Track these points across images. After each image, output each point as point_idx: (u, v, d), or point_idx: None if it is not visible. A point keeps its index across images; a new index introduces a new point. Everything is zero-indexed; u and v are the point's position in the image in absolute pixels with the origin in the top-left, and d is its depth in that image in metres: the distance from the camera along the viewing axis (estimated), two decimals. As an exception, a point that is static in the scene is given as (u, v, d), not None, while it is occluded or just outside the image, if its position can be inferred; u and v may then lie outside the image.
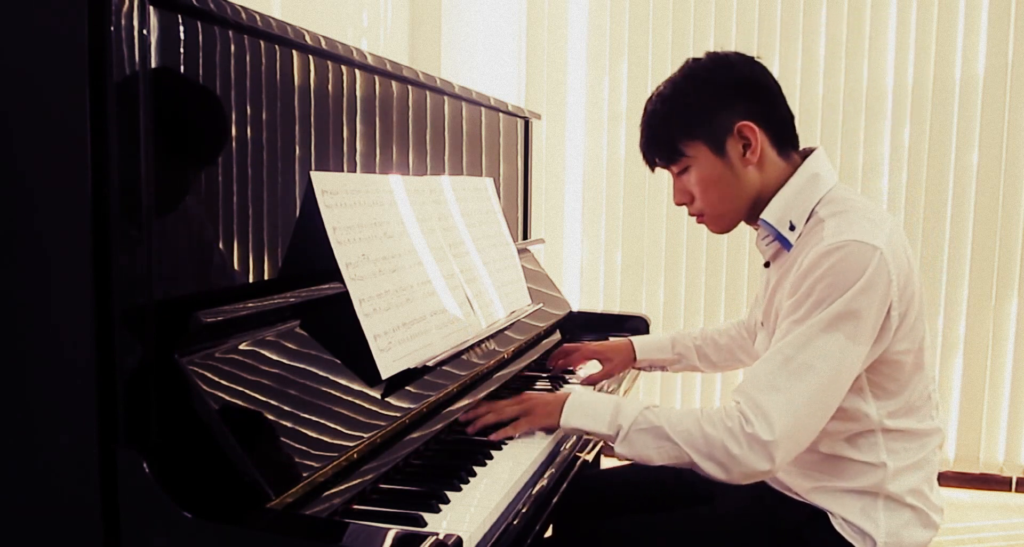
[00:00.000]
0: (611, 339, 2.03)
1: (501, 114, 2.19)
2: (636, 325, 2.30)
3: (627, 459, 1.34)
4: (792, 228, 1.38)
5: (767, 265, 1.49)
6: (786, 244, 1.39)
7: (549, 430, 1.44)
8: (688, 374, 3.49)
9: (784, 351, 1.26)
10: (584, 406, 1.38)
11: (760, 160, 1.39)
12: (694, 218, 1.49)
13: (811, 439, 1.28)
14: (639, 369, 1.96)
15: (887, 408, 1.34)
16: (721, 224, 1.46)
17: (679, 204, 1.49)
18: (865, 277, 1.24)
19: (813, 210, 1.37)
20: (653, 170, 1.52)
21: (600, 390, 1.85)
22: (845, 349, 1.24)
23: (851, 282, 1.24)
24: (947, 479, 3.28)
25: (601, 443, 1.72)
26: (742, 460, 1.23)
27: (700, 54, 1.46)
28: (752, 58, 1.42)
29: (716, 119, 1.38)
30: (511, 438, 1.41)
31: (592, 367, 1.97)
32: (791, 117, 1.44)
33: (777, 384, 1.25)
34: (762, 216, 1.40)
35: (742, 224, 1.48)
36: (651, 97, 1.46)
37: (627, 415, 1.32)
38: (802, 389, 1.24)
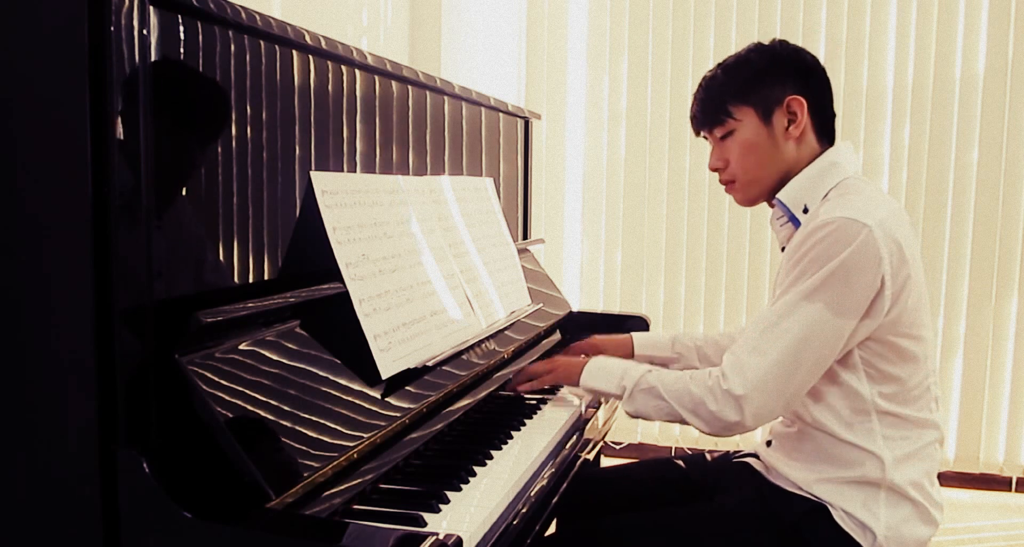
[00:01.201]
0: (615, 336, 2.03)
1: (501, 114, 2.19)
2: (636, 325, 2.30)
3: (633, 416, 1.49)
4: (805, 211, 1.44)
5: (783, 250, 1.52)
6: (796, 223, 1.45)
7: (589, 440, 1.61)
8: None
9: (768, 317, 1.35)
10: (599, 369, 1.55)
11: (800, 137, 1.46)
12: (725, 187, 1.55)
13: (784, 400, 1.34)
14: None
15: (879, 389, 1.37)
16: (749, 192, 1.52)
17: (713, 169, 1.55)
18: (850, 250, 1.29)
19: (827, 195, 1.42)
20: (698, 134, 1.58)
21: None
22: (823, 318, 1.31)
23: (835, 254, 1.30)
24: (947, 479, 3.28)
25: (601, 443, 1.76)
26: (718, 414, 1.35)
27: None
28: (816, 58, 1.51)
29: (770, 88, 1.45)
30: (506, 442, 1.45)
31: None
32: (834, 116, 1.51)
33: (757, 346, 1.34)
34: (778, 196, 1.47)
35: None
36: (711, 68, 1.54)
37: (631, 377, 1.47)
38: (777, 350, 1.32)
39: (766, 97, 1.45)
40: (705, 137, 1.56)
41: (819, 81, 1.48)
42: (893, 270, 1.32)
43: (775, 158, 1.46)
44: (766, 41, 1.51)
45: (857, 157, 1.50)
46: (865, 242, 1.29)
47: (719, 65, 1.52)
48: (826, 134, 1.49)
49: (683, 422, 1.42)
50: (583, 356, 1.77)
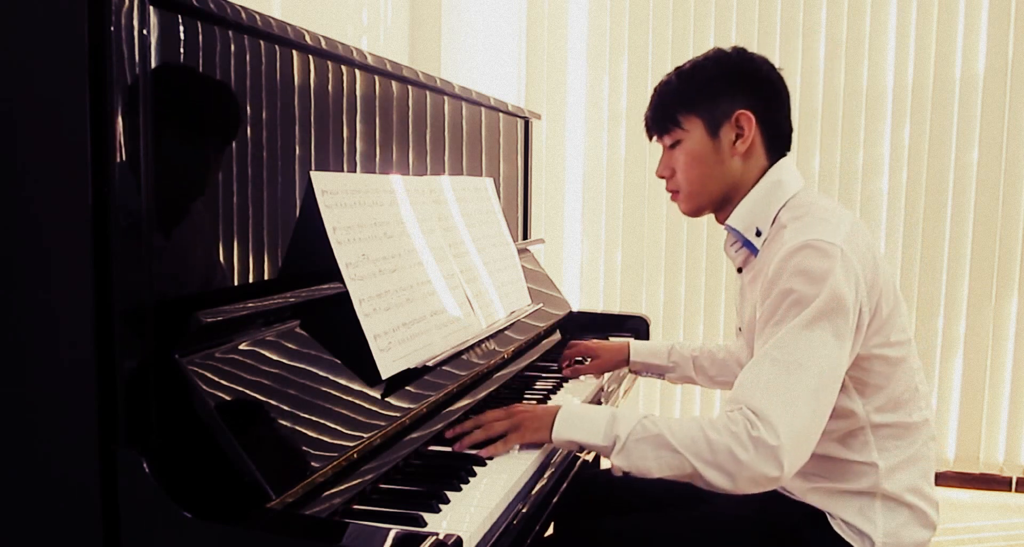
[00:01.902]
0: (612, 339, 2.03)
1: (501, 114, 2.19)
2: (636, 325, 2.31)
3: (625, 471, 1.28)
4: (759, 234, 1.42)
5: (739, 271, 1.52)
6: (753, 250, 1.43)
7: (539, 445, 1.36)
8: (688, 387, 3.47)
9: (771, 354, 1.24)
10: (577, 417, 1.32)
11: (747, 154, 1.43)
12: (670, 195, 1.53)
13: (815, 440, 1.24)
14: (634, 372, 1.96)
15: (873, 403, 1.35)
16: (691, 204, 1.50)
17: (660, 176, 1.53)
18: (834, 273, 1.25)
19: (777, 216, 1.40)
20: (651, 139, 1.55)
21: (597, 393, 1.85)
22: (829, 344, 1.24)
23: (822, 278, 1.25)
24: (947, 479, 3.28)
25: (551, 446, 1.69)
26: (749, 465, 1.18)
27: (700, 53, 1.49)
28: (774, 66, 1.47)
29: (720, 101, 1.42)
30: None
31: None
32: (790, 129, 1.48)
33: (770, 387, 1.22)
34: (728, 222, 1.45)
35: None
36: (669, 72, 1.51)
37: (624, 425, 1.26)
38: (796, 389, 1.21)
39: (715, 109, 1.42)
40: (656, 141, 1.53)
41: (773, 95, 1.44)
42: (868, 284, 1.30)
43: (720, 172, 1.43)
44: (727, 47, 1.47)
45: (797, 170, 1.46)
46: (842, 262, 1.26)
47: (676, 69, 1.49)
48: (778, 150, 1.46)
49: (690, 479, 1.24)
50: (557, 393, 1.71)
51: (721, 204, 1.47)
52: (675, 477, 1.25)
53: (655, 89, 1.52)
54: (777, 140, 1.45)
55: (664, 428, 1.24)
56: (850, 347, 1.28)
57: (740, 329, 1.52)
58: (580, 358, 1.96)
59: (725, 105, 1.41)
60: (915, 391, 1.39)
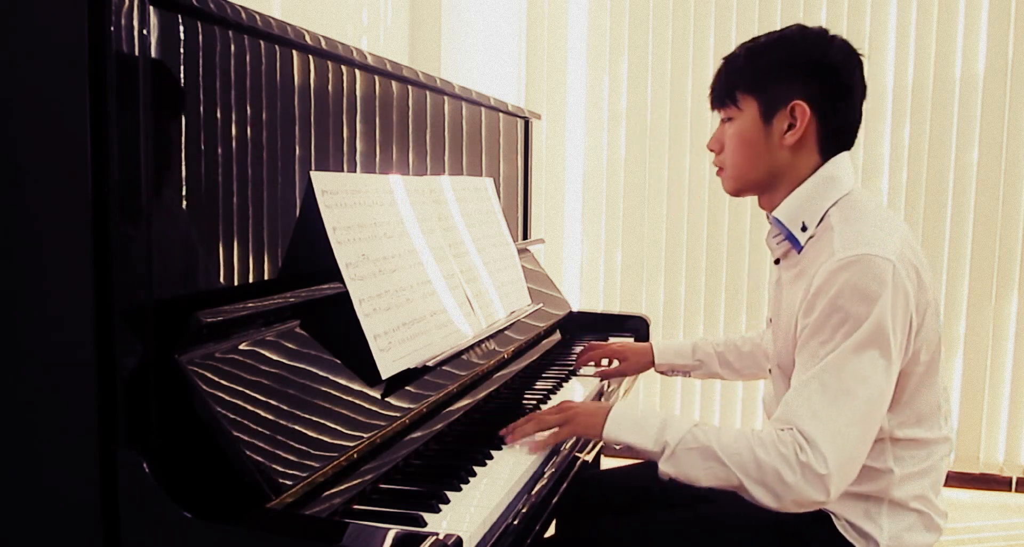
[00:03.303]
0: (611, 340, 2.03)
1: (501, 114, 2.19)
2: (636, 325, 2.30)
3: (671, 478, 1.28)
4: (804, 229, 1.36)
5: (776, 262, 1.47)
6: (796, 245, 1.37)
7: (588, 440, 1.39)
8: (707, 383, 3.47)
9: (821, 377, 1.22)
10: (629, 420, 1.33)
11: (797, 146, 1.36)
12: (716, 171, 1.48)
13: (860, 464, 1.24)
14: (661, 373, 1.95)
15: (897, 418, 1.33)
16: (733, 185, 1.45)
17: (709, 148, 1.48)
18: (886, 293, 1.21)
19: (826, 213, 1.35)
20: (712, 109, 1.47)
21: (598, 393, 1.85)
22: (879, 368, 1.22)
23: (874, 299, 1.21)
24: (947, 479, 3.25)
25: (601, 443, 1.71)
26: (796, 488, 1.19)
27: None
28: (854, 52, 1.38)
29: (779, 86, 1.35)
30: (491, 456, 1.34)
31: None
32: (855, 122, 1.40)
33: (819, 413, 1.21)
34: (774, 214, 1.39)
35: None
36: (745, 42, 1.43)
37: (674, 432, 1.27)
38: (846, 417, 1.20)
39: (772, 94, 1.35)
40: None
41: (839, 87, 1.35)
42: (916, 302, 1.27)
43: (765, 160, 1.38)
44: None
45: (853, 168, 1.41)
46: (894, 280, 1.22)
47: (751, 40, 1.42)
48: (835, 144, 1.38)
49: (738, 490, 1.24)
50: (564, 386, 1.71)
51: (764, 189, 1.42)
52: (721, 487, 1.26)
53: (724, 59, 1.44)
54: (836, 134, 1.37)
55: (714, 440, 1.24)
56: (898, 367, 1.26)
57: (770, 320, 1.49)
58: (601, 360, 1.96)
59: (783, 92, 1.34)
60: (937, 409, 1.38)
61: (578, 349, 2.05)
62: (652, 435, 1.28)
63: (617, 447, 1.39)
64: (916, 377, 1.32)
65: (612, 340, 2.22)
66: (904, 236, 1.30)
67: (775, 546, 1.40)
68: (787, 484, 1.19)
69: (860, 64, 1.38)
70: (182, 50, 1.01)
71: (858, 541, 1.35)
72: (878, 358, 1.22)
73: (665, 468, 1.28)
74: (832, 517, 1.37)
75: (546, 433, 1.39)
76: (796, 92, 1.34)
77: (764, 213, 1.46)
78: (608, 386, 1.90)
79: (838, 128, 1.37)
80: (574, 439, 1.48)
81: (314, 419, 1.09)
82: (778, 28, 1.45)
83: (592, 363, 1.95)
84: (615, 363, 1.96)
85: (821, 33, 1.38)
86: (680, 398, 3.52)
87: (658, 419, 1.30)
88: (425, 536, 0.90)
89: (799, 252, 1.37)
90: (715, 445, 1.24)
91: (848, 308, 1.22)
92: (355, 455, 1.13)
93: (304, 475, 1.01)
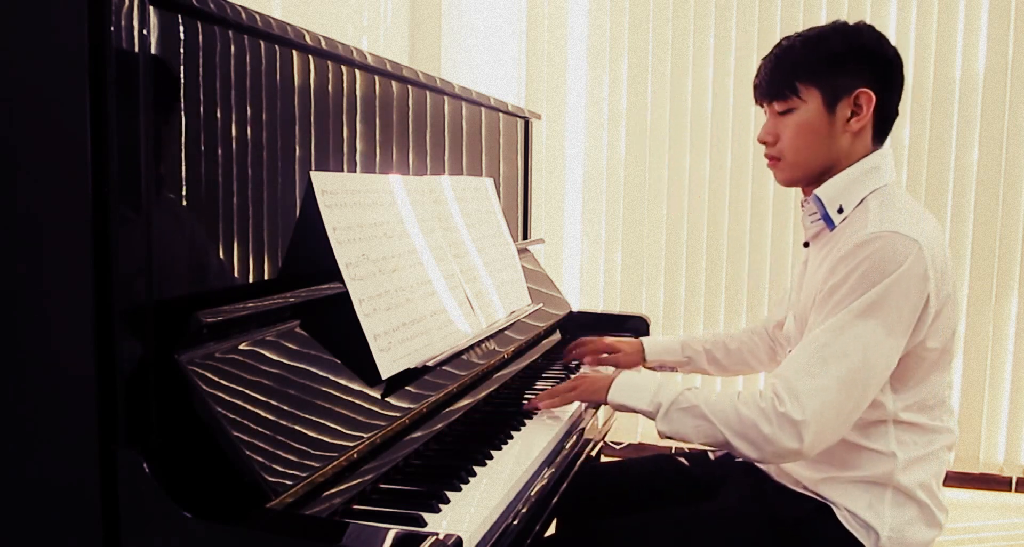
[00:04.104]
0: (622, 338, 2.04)
1: (501, 114, 2.19)
2: (636, 325, 2.30)
3: (666, 436, 1.38)
4: (840, 211, 1.41)
5: (806, 245, 1.52)
6: (830, 223, 1.42)
7: (596, 405, 1.60)
8: (708, 376, 3.48)
9: (820, 338, 1.29)
10: (629, 386, 1.45)
11: (859, 133, 1.41)
12: (768, 162, 1.50)
13: (843, 426, 1.30)
14: (651, 369, 1.97)
15: (903, 401, 1.36)
16: (790, 174, 1.47)
17: (761, 141, 1.49)
18: (903, 268, 1.27)
19: (865, 198, 1.39)
20: (759, 104, 1.50)
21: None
22: (879, 338, 1.27)
23: (888, 272, 1.27)
24: (947, 479, 3.25)
25: (601, 443, 1.74)
26: (772, 439, 1.27)
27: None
28: (898, 53, 1.43)
29: (843, 75, 1.39)
30: (500, 447, 1.40)
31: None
32: (896, 115, 1.47)
33: (811, 368, 1.28)
34: (815, 192, 1.43)
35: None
36: (791, 35, 1.46)
37: (667, 394, 1.38)
38: (834, 373, 1.27)
39: (837, 83, 1.39)
40: (763, 107, 1.49)
41: (894, 78, 1.42)
42: (937, 288, 1.31)
43: (828, 147, 1.42)
44: (851, 21, 1.44)
45: (894, 161, 1.47)
46: (916, 259, 1.27)
47: (799, 35, 1.44)
48: (882, 134, 1.45)
49: (724, 447, 1.34)
50: (602, 371, 1.75)
51: (818, 178, 1.45)
52: (710, 444, 1.35)
53: (773, 51, 1.46)
54: (886, 124, 1.45)
55: (702, 400, 1.35)
56: (903, 342, 1.30)
57: (782, 319, 1.54)
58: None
59: (848, 80, 1.38)
60: (942, 403, 1.41)
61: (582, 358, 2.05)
62: (648, 397, 1.40)
63: (620, 410, 1.52)
64: (928, 363, 1.36)
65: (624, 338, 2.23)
66: (935, 229, 1.36)
67: (776, 541, 1.40)
68: (765, 435, 1.27)
69: (903, 61, 1.45)
70: (182, 50, 1.01)
71: (859, 532, 1.36)
72: (879, 328, 1.27)
73: (660, 426, 1.39)
74: (833, 508, 1.38)
75: (557, 399, 1.55)
76: (861, 80, 1.39)
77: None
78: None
79: (888, 117, 1.45)
80: (574, 438, 1.49)
81: (314, 419, 1.09)
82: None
83: (584, 358, 1.97)
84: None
85: (871, 28, 1.43)
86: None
87: (654, 383, 1.42)
88: (425, 536, 0.90)
89: (831, 230, 1.42)
90: (702, 405, 1.34)
91: (862, 278, 1.28)
92: (355, 455, 1.13)
93: (304, 475, 1.01)
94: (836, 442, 1.37)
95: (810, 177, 1.46)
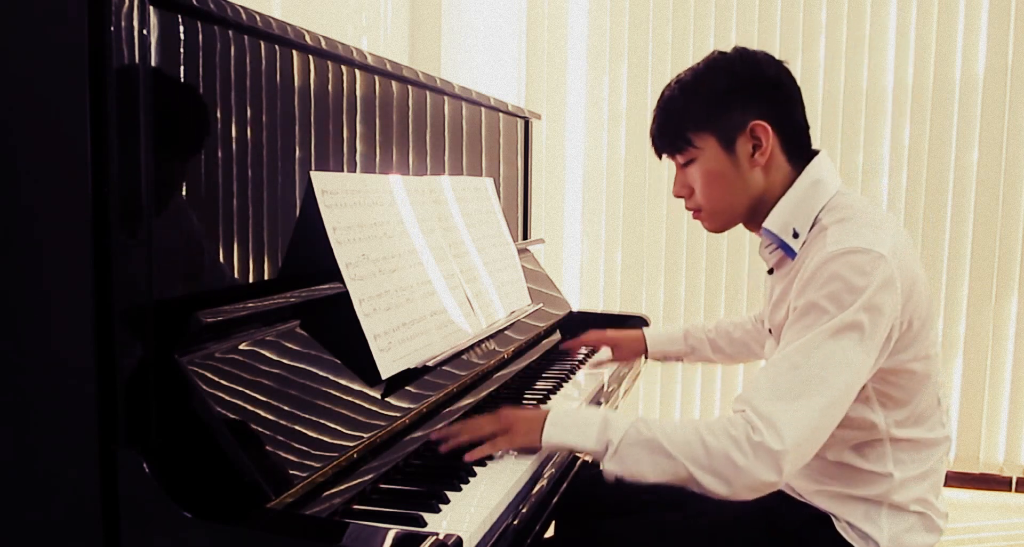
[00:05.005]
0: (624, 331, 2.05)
1: (501, 114, 2.19)
2: (636, 325, 2.30)
3: (618, 476, 1.22)
4: (796, 236, 1.35)
5: (771, 272, 1.46)
6: (790, 252, 1.36)
7: (531, 450, 1.32)
8: (691, 373, 3.49)
9: (791, 358, 1.21)
10: (568, 421, 1.28)
11: (768, 163, 1.36)
12: (692, 213, 1.46)
13: (816, 449, 1.22)
14: (655, 360, 1.99)
15: (895, 417, 1.32)
16: (717, 222, 1.43)
17: (677, 196, 1.46)
18: (872, 286, 1.20)
19: (817, 217, 1.34)
20: (660, 157, 1.47)
21: (597, 394, 1.85)
22: (852, 358, 1.20)
23: (858, 290, 1.20)
24: (947, 479, 3.27)
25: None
26: (747, 471, 1.15)
27: (700, 54, 1.45)
28: (779, 61, 1.39)
29: (731, 114, 1.34)
30: (490, 458, 1.30)
31: (604, 354, 2.05)
32: (807, 125, 1.41)
33: (784, 393, 1.19)
34: (764, 225, 1.38)
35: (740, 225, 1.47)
36: (670, 83, 1.42)
37: (616, 429, 1.23)
38: (811, 398, 1.18)
39: (728, 124, 1.34)
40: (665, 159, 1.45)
41: (785, 98, 1.37)
42: (905, 298, 1.25)
43: (741, 188, 1.36)
44: (727, 49, 1.39)
45: (834, 165, 1.41)
46: (884, 275, 1.21)
47: (677, 82, 1.39)
48: (799, 150, 1.38)
49: (686, 483, 1.19)
50: (565, 385, 1.72)
51: (749, 217, 1.41)
52: (670, 482, 1.21)
53: (658, 105, 1.42)
54: (796, 142, 1.38)
55: (659, 432, 1.21)
56: (875, 360, 1.24)
57: (770, 331, 1.47)
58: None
59: (737, 117, 1.34)
60: (937, 406, 1.38)
61: (578, 350, 2.07)
62: (594, 435, 1.24)
63: (560, 452, 1.34)
64: (917, 376, 1.32)
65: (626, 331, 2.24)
66: (897, 233, 1.29)
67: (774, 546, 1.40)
68: (738, 467, 1.15)
69: (788, 70, 1.40)
70: (182, 50, 1.01)
71: (858, 542, 1.35)
72: (854, 346, 1.20)
73: (610, 467, 1.23)
74: (832, 518, 1.37)
75: (485, 446, 1.30)
76: (750, 113, 1.34)
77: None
78: (608, 386, 1.90)
79: (795, 136, 1.38)
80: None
81: (314, 419, 1.09)
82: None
83: (581, 346, 2.00)
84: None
85: (745, 52, 1.39)
86: (680, 387, 3.52)
87: (599, 417, 1.25)
88: (425, 536, 0.90)
89: (793, 259, 1.36)
90: (660, 437, 1.20)
91: (833, 295, 1.21)
92: (355, 455, 1.13)
93: (304, 475, 1.01)
94: (831, 461, 1.35)
95: (739, 219, 1.42)
